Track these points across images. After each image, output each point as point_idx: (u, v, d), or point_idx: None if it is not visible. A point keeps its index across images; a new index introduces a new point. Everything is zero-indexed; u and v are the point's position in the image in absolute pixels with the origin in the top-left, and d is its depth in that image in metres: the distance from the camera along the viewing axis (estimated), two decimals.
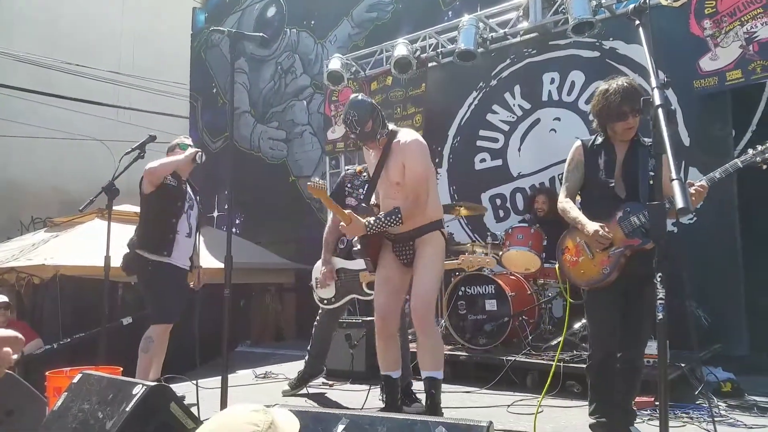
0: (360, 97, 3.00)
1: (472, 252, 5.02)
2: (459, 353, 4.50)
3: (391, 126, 3.04)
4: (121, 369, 3.18)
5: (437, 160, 6.42)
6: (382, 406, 3.19)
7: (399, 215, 2.84)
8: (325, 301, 3.85)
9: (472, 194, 6.06)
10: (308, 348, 4.02)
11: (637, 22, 1.73)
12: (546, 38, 5.79)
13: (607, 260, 2.59)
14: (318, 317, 4.01)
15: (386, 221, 2.85)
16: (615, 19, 5.17)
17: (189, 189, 3.96)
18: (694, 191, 2.45)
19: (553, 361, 3.89)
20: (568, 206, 2.74)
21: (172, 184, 3.76)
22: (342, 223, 2.89)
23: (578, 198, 2.83)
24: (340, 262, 3.79)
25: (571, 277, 2.78)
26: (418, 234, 2.95)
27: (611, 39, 5.39)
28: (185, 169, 3.91)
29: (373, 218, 2.86)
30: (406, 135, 2.96)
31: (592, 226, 2.59)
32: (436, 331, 3.00)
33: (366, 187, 3.83)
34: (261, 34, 2.75)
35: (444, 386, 4.16)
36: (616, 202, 2.60)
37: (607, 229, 2.56)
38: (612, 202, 2.62)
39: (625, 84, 2.57)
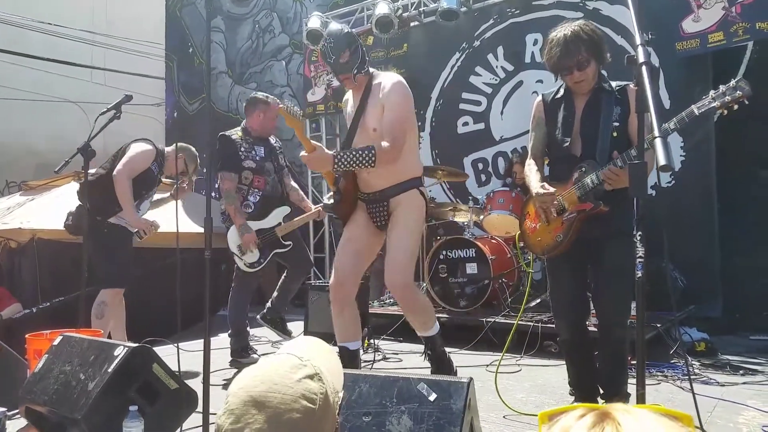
0: (339, 25, 2.77)
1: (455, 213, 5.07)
2: (440, 315, 4.56)
3: (372, 70, 2.79)
4: (102, 332, 3.17)
5: (420, 124, 6.36)
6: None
7: (373, 153, 2.51)
8: (255, 265, 3.87)
9: (455, 158, 6.04)
10: (229, 332, 3.95)
11: None
12: None
13: (560, 227, 2.42)
14: (235, 285, 3.97)
15: (358, 157, 2.51)
16: None
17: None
18: (611, 171, 2.22)
19: (531, 322, 4.00)
20: (527, 169, 2.56)
21: (153, 170, 3.75)
22: (303, 153, 2.56)
23: None
24: (254, 225, 3.82)
25: (528, 244, 2.66)
26: (393, 193, 2.68)
27: (595, 0, 5.33)
28: (169, 171, 3.94)
29: (343, 151, 2.57)
30: (388, 77, 2.71)
31: (534, 187, 2.43)
32: (419, 301, 2.76)
33: (257, 148, 3.85)
34: None
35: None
36: (573, 162, 2.40)
37: (548, 188, 2.38)
38: (569, 161, 2.42)
39: (568, 33, 2.31)
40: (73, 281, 3.65)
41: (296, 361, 1.02)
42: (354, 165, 2.53)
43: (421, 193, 2.73)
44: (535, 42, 5.72)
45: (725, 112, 2.07)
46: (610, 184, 2.25)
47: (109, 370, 1.91)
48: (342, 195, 2.73)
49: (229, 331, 3.94)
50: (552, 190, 2.39)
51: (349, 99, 2.85)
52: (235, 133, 3.91)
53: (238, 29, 8.95)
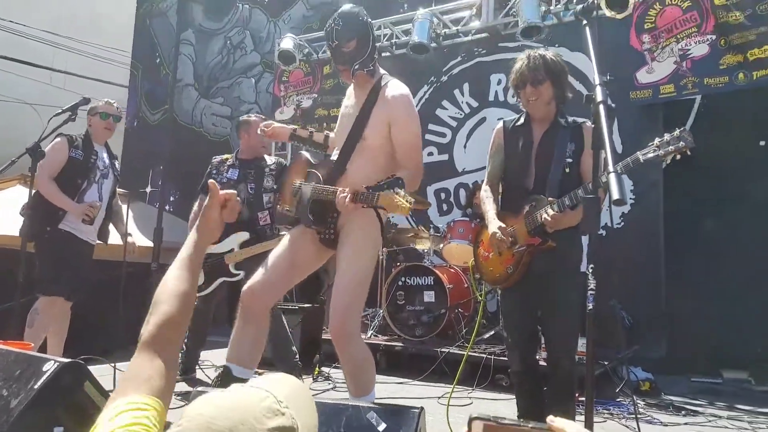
0: (356, 9, 2.38)
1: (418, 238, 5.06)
2: (395, 343, 4.53)
3: (383, 72, 2.45)
4: (32, 345, 2.98)
5: None
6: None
7: (402, 186, 2.10)
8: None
9: (418, 187, 6.09)
10: (185, 341, 3.81)
11: (584, 21, 1.76)
12: (496, 39, 5.88)
13: (511, 258, 2.45)
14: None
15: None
16: (562, 26, 5.32)
17: (105, 155, 3.82)
18: (550, 218, 2.26)
19: (484, 354, 3.99)
20: (484, 196, 2.59)
21: (77, 158, 3.63)
22: (342, 196, 2.15)
23: None
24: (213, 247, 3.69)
25: (482, 273, 2.67)
26: None
27: (557, 45, 5.53)
28: (101, 138, 3.79)
29: (371, 186, 2.13)
30: (396, 88, 2.35)
31: (492, 225, 2.45)
32: (357, 347, 2.29)
33: (230, 171, 3.78)
34: None
35: (378, 377, 4.16)
36: (525, 194, 2.44)
37: (505, 232, 2.39)
38: (522, 193, 2.45)
39: (534, 53, 2.40)
40: (7, 291, 3.45)
41: (273, 404, 0.85)
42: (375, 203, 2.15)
43: (378, 214, 2.36)
44: (499, 82, 5.91)
45: (668, 160, 2.09)
46: (550, 227, 2.28)
47: (36, 386, 1.78)
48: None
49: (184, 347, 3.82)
50: (509, 238, 2.39)
51: (351, 94, 2.51)
52: (222, 156, 3.97)
53: (208, 43, 8.89)
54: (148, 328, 1.15)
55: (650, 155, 2.09)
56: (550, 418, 0.72)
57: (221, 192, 1.42)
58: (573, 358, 2.44)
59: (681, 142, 2.01)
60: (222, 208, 1.42)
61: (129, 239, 3.87)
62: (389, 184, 2.09)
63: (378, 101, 2.34)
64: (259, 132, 2.72)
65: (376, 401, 2.63)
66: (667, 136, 2.06)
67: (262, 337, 2.38)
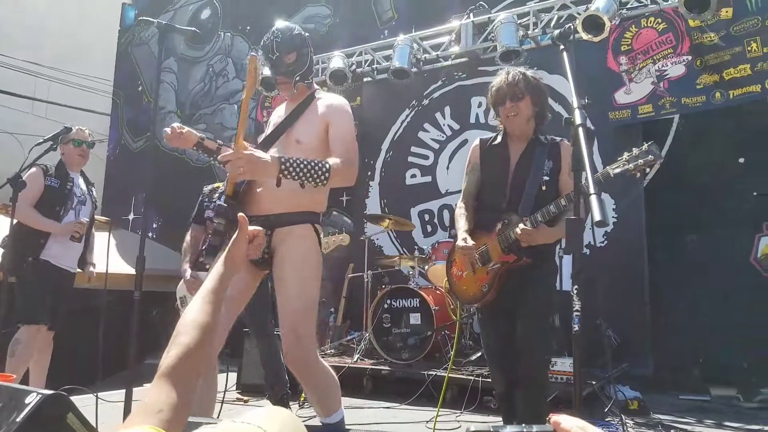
0: (291, 24, 2.44)
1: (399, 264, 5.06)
2: (381, 367, 4.49)
3: (316, 87, 2.52)
4: (14, 376, 2.90)
5: (369, 173, 6.47)
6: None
7: (327, 168, 2.07)
8: None
9: (402, 208, 6.14)
10: None
11: (562, 47, 1.81)
12: (475, 63, 6.00)
13: (485, 277, 2.42)
14: None
15: (310, 167, 2.04)
16: (539, 50, 5.45)
17: (81, 182, 3.81)
18: (520, 231, 2.28)
19: (471, 376, 3.97)
20: (458, 214, 2.57)
21: (53, 185, 3.64)
22: (231, 151, 2.07)
23: None
24: (202, 275, 3.68)
25: (456, 292, 2.64)
26: (282, 222, 2.20)
27: (535, 68, 5.60)
28: (75, 165, 3.79)
29: (292, 157, 2.07)
30: (334, 97, 2.42)
31: (459, 237, 2.44)
32: (317, 371, 2.22)
33: (222, 197, 3.82)
34: (193, 28, 2.63)
35: (364, 401, 4.15)
36: (498, 212, 2.43)
37: (469, 241, 2.38)
38: (496, 210, 2.44)
39: (513, 70, 2.45)
40: None
41: None
42: (304, 176, 2.05)
43: (316, 230, 2.26)
44: (480, 104, 6.02)
45: (638, 174, 2.09)
46: (525, 242, 2.29)
47: (18, 419, 1.73)
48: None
49: None
50: (471, 243, 2.39)
51: (280, 110, 2.54)
52: (214, 185, 4.00)
53: (191, 71, 8.93)
54: (166, 360, 1.12)
55: (619, 170, 2.11)
56: (554, 420, 0.72)
57: (250, 228, 1.42)
58: (544, 362, 2.44)
59: (649, 156, 2.04)
60: (248, 243, 1.43)
61: (89, 269, 3.83)
62: (315, 163, 2.07)
63: (310, 106, 2.36)
64: (164, 132, 2.58)
65: (363, 428, 2.61)
66: (635, 150, 2.09)
67: (212, 386, 2.23)
